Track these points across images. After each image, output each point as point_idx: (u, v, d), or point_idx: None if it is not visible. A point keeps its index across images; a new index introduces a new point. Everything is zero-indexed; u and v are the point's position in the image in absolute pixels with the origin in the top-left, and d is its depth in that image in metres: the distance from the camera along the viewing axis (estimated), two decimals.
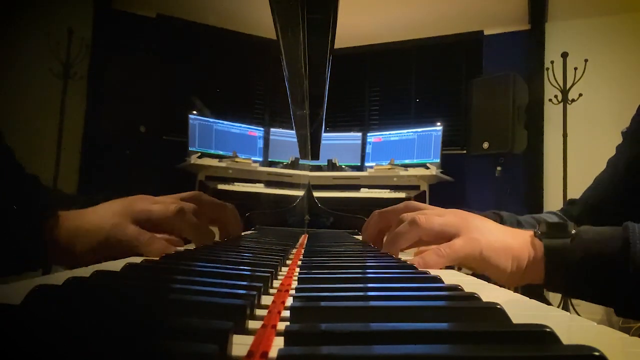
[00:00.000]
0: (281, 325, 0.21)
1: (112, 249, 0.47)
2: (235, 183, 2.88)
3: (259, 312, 0.24)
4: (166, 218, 0.51)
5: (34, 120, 2.83)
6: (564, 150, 2.70)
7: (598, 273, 0.44)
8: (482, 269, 0.50)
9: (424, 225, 0.52)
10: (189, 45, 3.46)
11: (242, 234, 0.80)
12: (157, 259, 0.42)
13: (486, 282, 0.39)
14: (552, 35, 3.09)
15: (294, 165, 2.82)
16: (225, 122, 3.14)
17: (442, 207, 0.59)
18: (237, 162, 2.94)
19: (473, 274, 0.47)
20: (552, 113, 2.96)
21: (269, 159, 3.23)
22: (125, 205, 0.50)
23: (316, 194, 1.42)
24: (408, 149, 3.21)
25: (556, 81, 2.76)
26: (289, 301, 0.27)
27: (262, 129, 3.29)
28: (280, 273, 0.40)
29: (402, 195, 2.93)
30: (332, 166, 3.25)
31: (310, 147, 1.16)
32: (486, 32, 3.31)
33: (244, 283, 0.29)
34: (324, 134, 1.78)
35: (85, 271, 0.31)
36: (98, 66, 3.01)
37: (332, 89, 0.83)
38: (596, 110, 2.86)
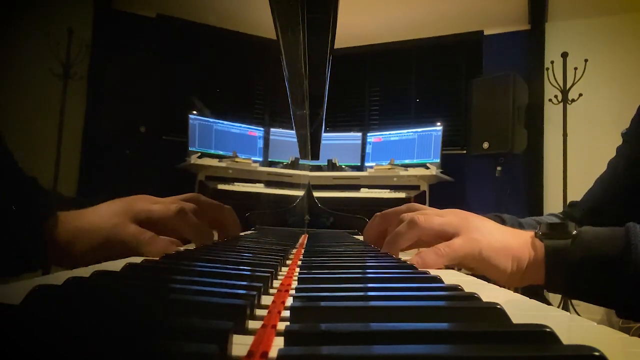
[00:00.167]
0: (281, 325, 0.21)
1: (112, 249, 0.47)
2: (235, 183, 2.88)
3: (259, 312, 0.24)
4: (167, 218, 0.51)
5: (34, 120, 2.83)
6: (564, 150, 2.70)
7: (599, 274, 0.44)
8: (482, 269, 0.50)
9: (423, 225, 0.52)
10: (189, 45, 3.46)
11: (242, 234, 0.80)
12: (158, 258, 0.42)
13: (486, 282, 0.39)
14: (552, 35, 3.09)
15: (294, 165, 2.82)
16: (225, 122, 3.14)
17: (442, 208, 0.58)
18: (237, 162, 2.94)
19: (473, 274, 0.47)
20: (552, 113, 2.96)
21: (269, 159, 3.23)
22: (125, 205, 0.50)
23: (316, 194, 1.42)
24: (408, 149, 3.21)
25: (556, 81, 2.76)
26: (289, 301, 0.27)
27: (262, 129, 3.29)
28: (280, 273, 0.40)
29: (402, 195, 2.93)
30: (332, 166, 3.25)
31: (310, 147, 1.16)
32: (486, 32, 3.31)
33: (244, 283, 0.29)
34: (324, 134, 1.78)
35: (85, 271, 0.31)
36: (98, 66, 3.01)
37: (332, 89, 0.83)
38: (596, 110, 2.86)
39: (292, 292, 0.30)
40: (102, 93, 2.94)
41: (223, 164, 2.88)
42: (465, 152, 3.07)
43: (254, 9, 3.09)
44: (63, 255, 0.46)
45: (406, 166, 3.08)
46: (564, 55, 2.72)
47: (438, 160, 3.06)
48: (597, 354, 0.15)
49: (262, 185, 2.92)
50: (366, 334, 0.18)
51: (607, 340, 0.22)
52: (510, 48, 3.20)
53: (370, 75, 3.77)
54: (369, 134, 3.43)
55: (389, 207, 0.67)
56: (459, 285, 0.30)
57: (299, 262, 0.47)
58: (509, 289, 0.40)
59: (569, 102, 2.73)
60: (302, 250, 0.61)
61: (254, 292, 0.25)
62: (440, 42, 3.47)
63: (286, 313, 0.23)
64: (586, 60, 2.68)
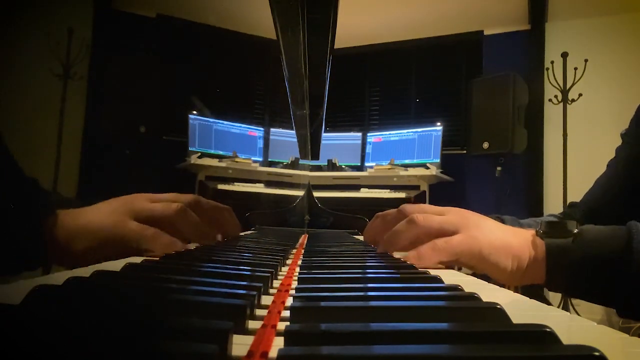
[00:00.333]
0: (281, 325, 0.21)
1: (113, 247, 0.47)
2: (235, 183, 2.88)
3: (259, 312, 0.24)
4: (167, 217, 0.50)
5: (34, 120, 2.83)
6: (564, 150, 2.70)
7: (600, 273, 0.44)
8: (482, 267, 0.50)
9: (422, 224, 0.52)
10: (189, 45, 3.46)
11: (242, 234, 0.80)
12: (159, 257, 0.42)
13: (486, 282, 0.39)
14: (552, 35, 3.09)
15: (294, 165, 2.82)
16: (225, 122, 3.14)
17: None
18: (237, 162, 2.94)
19: (473, 274, 0.47)
20: (552, 113, 2.96)
21: (269, 159, 3.23)
22: (125, 203, 0.50)
23: (316, 194, 1.42)
24: (408, 149, 3.21)
25: (556, 81, 2.76)
26: (289, 301, 0.27)
27: (262, 129, 3.29)
28: (280, 273, 0.40)
29: (402, 195, 2.93)
30: (332, 166, 3.25)
31: (310, 147, 1.16)
32: (486, 32, 3.30)
33: (244, 283, 0.29)
34: (324, 134, 1.78)
35: (85, 271, 0.31)
36: (98, 66, 3.01)
37: (332, 89, 0.83)
38: (596, 110, 2.86)
39: (292, 292, 0.30)
40: (102, 93, 2.94)
41: (223, 164, 2.88)
42: (465, 152, 3.07)
43: (254, 9, 3.09)
44: (63, 254, 0.46)
45: (406, 166, 3.08)
46: (564, 55, 2.72)
47: (438, 160, 3.06)
48: (597, 354, 0.15)
49: (262, 185, 2.92)
50: (366, 334, 0.18)
51: (607, 340, 0.22)
52: (510, 48, 3.20)
53: (370, 75, 3.77)
54: (369, 134, 3.43)
55: (389, 207, 0.66)
56: (459, 285, 0.30)
57: (299, 262, 0.47)
58: (509, 287, 0.40)
59: (569, 102, 2.73)
60: (302, 250, 0.61)
61: (254, 292, 0.25)
62: (440, 42, 3.47)
63: (286, 313, 0.23)
64: (586, 60, 2.68)
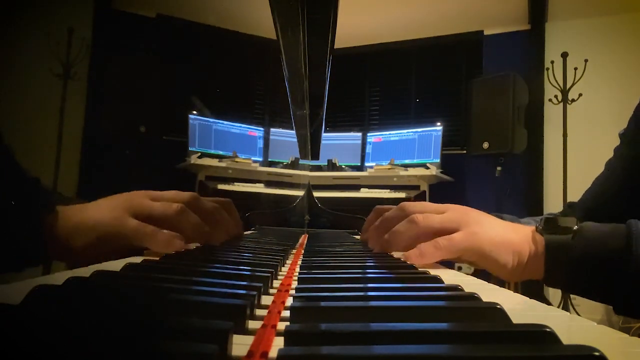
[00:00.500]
0: (281, 325, 0.21)
1: (112, 244, 0.47)
2: (235, 183, 2.88)
3: (259, 312, 0.24)
4: (167, 216, 0.50)
5: (34, 120, 2.83)
6: (564, 150, 2.70)
7: (599, 270, 0.44)
8: (483, 264, 0.50)
9: (423, 224, 0.52)
10: (189, 45, 3.45)
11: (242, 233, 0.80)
12: (159, 257, 0.42)
13: (486, 282, 0.39)
14: (552, 35, 3.09)
15: (294, 165, 2.82)
16: (225, 122, 3.14)
17: None
18: (237, 162, 2.94)
19: (473, 274, 0.47)
20: (552, 113, 2.96)
21: (269, 159, 3.23)
22: (125, 200, 0.50)
23: (316, 194, 1.42)
24: (408, 149, 3.21)
25: (556, 81, 2.76)
26: (289, 301, 0.27)
27: (262, 129, 3.29)
28: (280, 273, 0.40)
29: (402, 195, 2.93)
30: (332, 166, 3.25)
31: (310, 147, 1.16)
32: (486, 32, 3.30)
33: (244, 283, 0.29)
34: (324, 134, 1.78)
35: (85, 271, 0.31)
36: (98, 66, 3.01)
37: (332, 89, 0.83)
38: (596, 110, 2.86)
39: (292, 292, 0.30)
40: (102, 93, 2.94)
41: (223, 164, 2.88)
42: (465, 152, 3.07)
43: (254, 9, 3.09)
44: (63, 250, 0.46)
45: (406, 166, 3.08)
46: (564, 55, 2.72)
47: (438, 160, 3.06)
48: (597, 354, 0.15)
49: (262, 185, 2.92)
50: (366, 334, 0.18)
51: (607, 340, 0.22)
52: (510, 48, 3.20)
53: (370, 75, 3.77)
54: (369, 134, 3.43)
55: None
56: (459, 285, 0.30)
57: (299, 262, 0.47)
58: (509, 284, 0.40)
59: (569, 102, 2.73)
60: (302, 250, 0.61)
61: (254, 292, 0.25)
62: (440, 42, 3.47)
63: (286, 313, 0.23)
64: (586, 60, 2.68)
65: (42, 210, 0.45)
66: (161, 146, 3.07)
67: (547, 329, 0.18)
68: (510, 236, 0.50)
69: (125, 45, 3.21)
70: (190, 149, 2.94)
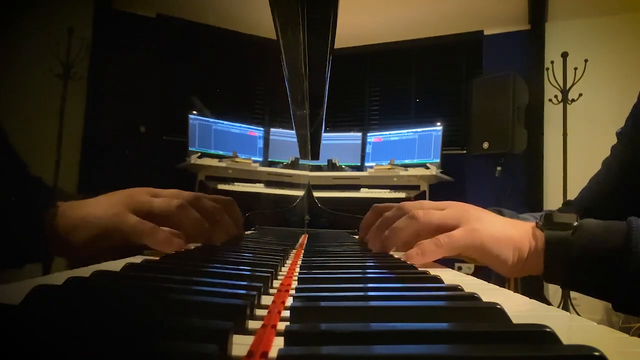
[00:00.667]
0: (281, 325, 0.21)
1: (112, 240, 0.47)
2: (235, 183, 2.88)
3: (259, 312, 0.24)
4: (167, 212, 0.50)
5: (34, 120, 2.83)
6: (564, 150, 2.70)
7: (598, 267, 0.44)
8: (483, 260, 0.50)
9: (423, 219, 0.51)
10: (189, 45, 3.46)
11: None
12: (159, 257, 0.42)
13: (486, 282, 0.39)
14: (552, 35, 3.09)
15: (294, 165, 2.82)
16: (225, 122, 3.14)
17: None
18: (237, 162, 2.95)
19: (473, 274, 0.47)
20: (552, 113, 2.96)
21: (269, 159, 3.23)
22: (125, 196, 0.50)
23: (316, 194, 1.42)
24: (408, 149, 3.21)
25: (556, 81, 2.76)
26: (289, 301, 0.27)
27: (262, 129, 3.29)
28: (280, 273, 0.40)
29: (402, 195, 2.93)
30: (332, 166, 3.25)
31: (310, 147, 1.16)
32: (486, 32, 3.30)
33: (244, 283, 0.29)
34: (324, 134, 1.78)
35: (85, 271, 0.31)
36: (98, 66, 3.01)
37: (332, 89, 0.83)
38: (596, 110, 2.86)
39: (292, 292, 0.30)
40: (102, 93, 2.94)
41: (223, 164, 2.88)
42: (465, 152, 3.07)
43: (254, 9, 3.09)
44: (63, 245, 0.46)
45: (406, 166, 3.08)
46: (564, 55, 2.72)
47: (438, 160, 3.06)
48: (597, 354, 0.15)
49: (262, 185, 2.92)
50: (366, 334, 0.18)
51: (607, 340, 0.22)
52: (510, 48, 3.20)
53: (370, 75, 3.77)
54: (369, 134, 3.43)
55: None
56: (459, 285, 0.30)
57: (299, 262, 0.47)
58: (509, 282, 0.40)
59: (569, 102, 2.73)
60: (302, 250, 0.61)
61: (254, 292, 0.25)
62: (440, 42, 3.47)
63: (286, 313, 0.23)
64: (586, 60, 2.68)
65: (43, 207, 0.45)
66: (161, 146, 3.07)
67: (547, 329, 0.18)
68: (511, 232, 0.50)
69: (125, 45, 3.21)
70: (190, 149, 2.94)
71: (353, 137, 3.45)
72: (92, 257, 0.44)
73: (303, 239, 0.88)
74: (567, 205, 0.80)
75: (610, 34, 2.93)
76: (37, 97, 2.87)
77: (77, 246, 0.46)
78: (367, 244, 0.62)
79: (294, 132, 1.10)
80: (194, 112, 3.01)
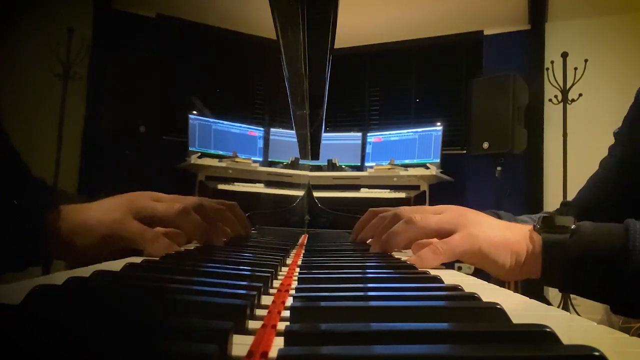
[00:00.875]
0: (281, 325, 0.21)
1: (113, 244, 0.47)
2: (235, 183, 2.88)
3: (259, 312, 0.24)
4: (169, 217, 0.50)
5: (34, 120, 2.83)
6: (564, 150, 2.70)
7: (596, 269, 0.44)
8: (481, 264, 0.50)
9: (420, 224, 0.52)
10: (189, 45, 3.45)
11: None
12: (158, 258, 0.42)
13: (486, 282, 0.39)
14: (552, 35, 3.09)
15: (294, 165, 2.82)
16: (225, 122, 3.14)
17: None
18: (237, 162, 2.94)
19: (473, 274, 0.47)
20: (552, 113, 2.96)
21: (269, 159, 3.23)
22: (127, 200, 0.50)
23: (316, 194, 1.42)
24: (408, 149, 3.21)
25: (556, 81, 2.76)
26: (289, 301, 0.27)
27: (262, 129, 3.29)
28: (280, 273, 0.40)
29: (402, 195, 2.93)
30: (332, 166, 3.25)
31: (310, 147, 1.16)
32: (486, 32, 3.30)
33: (244, 283, 0.29)
34: (324, 134, 1.78)
35: (85, 271, 0.31)
36: (98, 66, 3.01)
37: (332, 89, 0.83)
38: (596, 110, 2.86)
39: (292, 292, 0.30)
40: (102, 93, 2.94)
41: (223, 164, 2.88)
42: (465, 152, 3.07)
43: (254, 9, 3.09)
44: (64, 249, 0.46)
45: (406, 166, 3.08)
46: (564, 55, 2.72)
47: (438, 160, 3.06)
48: (597, 354, 0.15)
49: (262, 185, 2.92)
50: (366, 334, 0.18)
51: (607, 340, 0.22)
52: (510, 48, 3.20)
53: (370, 75, 3.77)
54: (369, 134, 3.43)
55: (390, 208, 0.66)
56: (459, 285, 0.30)
57: (299, 262, 0.47)
58: (508, 283, 0.41)
59: (569, 102, 2.73)
60: (302, 250, 0.61)
61: (254, 292, 0.25)
62: (440, 42, 3.47)
63: (286, 313, 0.23)
64: (586, 60, 2.68)
65: (45, 210, 0.45)
66: (161, 146, 3.07)
67: (547, 329, 0.18)
68: (508, 236, 0.50)
69: (125, 45, 3.21)
70: (190, 149, 2.94)
71: (353, 137, 3.45)
72: (93, 259, 0.44)
73: (303, 239, 0.88)
74: (564, 206, 0.80)
75: (610, 34, 2.93)
76: (37, 97, 2.87)
77: (78, 249, 0.46)
78: (361, 244, 0.62)
79: (294, 132, 1.10)
80: (194, 112, 3.01)
